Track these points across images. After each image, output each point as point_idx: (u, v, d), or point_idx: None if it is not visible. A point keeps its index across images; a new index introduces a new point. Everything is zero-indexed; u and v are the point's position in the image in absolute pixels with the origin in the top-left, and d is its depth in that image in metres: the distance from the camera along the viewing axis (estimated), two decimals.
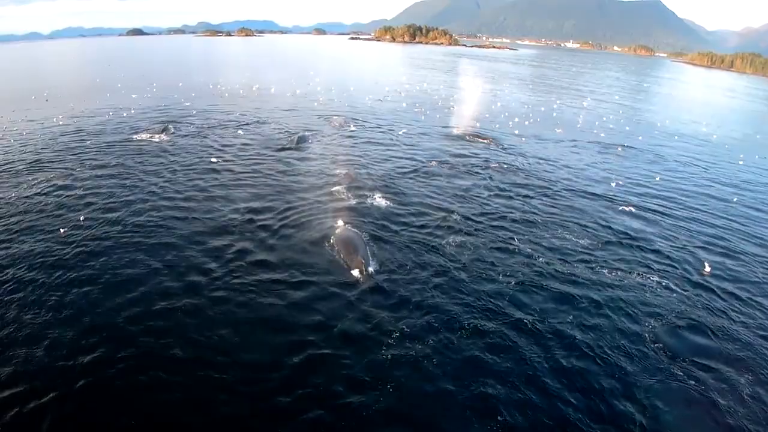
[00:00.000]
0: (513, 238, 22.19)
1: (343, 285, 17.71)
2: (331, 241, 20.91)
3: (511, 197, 27.88)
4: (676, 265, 20.62)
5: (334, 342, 14.79)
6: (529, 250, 21.05)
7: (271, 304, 16.71)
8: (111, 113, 48.19)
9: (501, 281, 18.24)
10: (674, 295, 18.12)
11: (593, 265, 19.89)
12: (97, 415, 12.16)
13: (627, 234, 23.43)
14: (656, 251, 21.79)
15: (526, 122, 50.69)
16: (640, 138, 46.68)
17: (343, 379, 13.29)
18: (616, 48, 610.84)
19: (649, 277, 19.23)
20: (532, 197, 28.10)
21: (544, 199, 27.96)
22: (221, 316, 15.99)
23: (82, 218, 22.48)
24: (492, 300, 17.02)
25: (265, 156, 34.17)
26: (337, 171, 30.61)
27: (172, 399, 12.69)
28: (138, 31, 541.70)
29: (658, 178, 33.26)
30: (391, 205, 25.48)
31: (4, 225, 22.34)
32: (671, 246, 22.52)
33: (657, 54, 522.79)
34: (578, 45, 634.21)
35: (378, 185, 28.50)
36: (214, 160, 32.45)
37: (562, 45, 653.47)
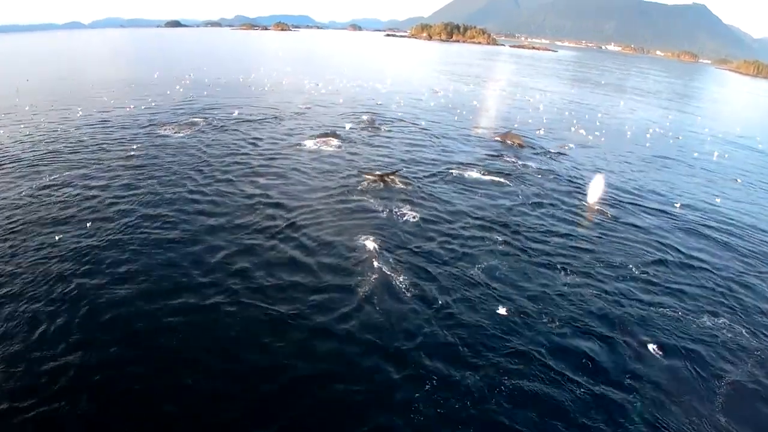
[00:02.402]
0: (556, 258, 19.92)
1: (365, 300, 16.04)
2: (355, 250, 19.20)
3: (555, 210, 25.60)
4: (754, 301, 17.90)
5: (348, 355, 13.82)
6: (575, 275, 18.80)
7: (287, 308, 15.59)
8: (141, 105, 47.74)
9: (544, 317, 16.01)
10: (753, 344, 15.46)
11: (655, 300, 17.43)
12: (108, 412, 11.69)
13: (693, 261, 20.87)
14: (728, 284, 19.16)
15: (572, 128, 47.82)
16: (694, 154, 43.25)
17: (354, 392, 12.59)
18: (658, 52, 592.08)
19: (720, 320, 16.64)
20: (578, 210, 25.76)
21: (591, 213, 25.52)
22: (235, 316, 15.10)
23: (89, 223, 21.13)
24: (535, 339, 14.89)
25: (293, 153, 32.73)
26: (367, 172, 28.71)
27: (181, 399, 12.18)
28: (176, 23, 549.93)
29: (718, 200, 30.18)
30: (421, 214, 23.55)
31: (20, 218, 21.46)
32: (744, 279, 19.78)
33: (701, 60, 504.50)
34: (620, 48, 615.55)
35: (408, 190, 26.61)
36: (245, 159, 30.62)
37: (603, 47, 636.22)
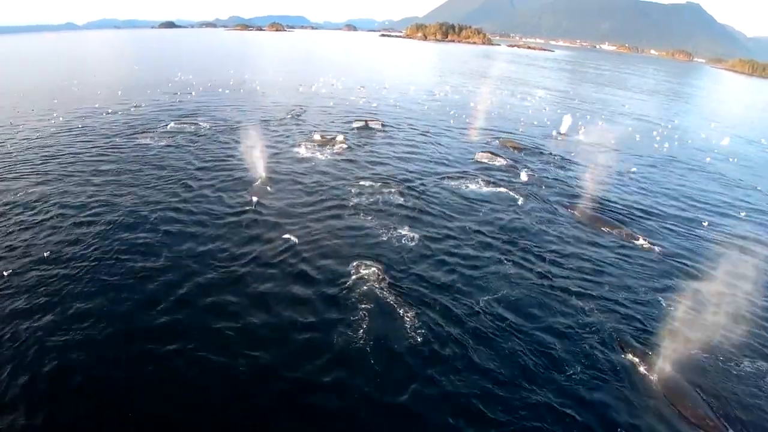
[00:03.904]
0: (572, 282, 17.77)
1: (361, 337, 13.90)
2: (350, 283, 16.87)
3: (564, 224, 23.44)
4: None
5: (339, 412, 11.77)
6: (594, 302, 16.69)
7: (271, 350, 13.61)
8: (125, 109, 45.47)
9: (564, 361, 13.83)
10: None
11: (690, 339, 15.07)
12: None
13: (729, 287, 18.53)
14: None
15: (579, 131, 45.61)
16: (707, 158, 41.08)
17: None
18: (653, 51, 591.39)
19: (760, 363, 14.43)
20: (590, 224, 23.54)
21: (605, 226, 23.27)
22: (209, 365, 12.93)
23: (46, 252, 18.91)
24: (556, 389, 12.82)
25: (285, 162, 30.45)
26: (362, 184, 26.63)
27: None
28: (170, 24, 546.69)
29: (743, 213, 27.81)
30: (421, 231, 21.34)
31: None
32: None
33: (695, 59, 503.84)
34: (614, 47, 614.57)
35: (407, 204, 24.26)
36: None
37: (598, 47, 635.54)
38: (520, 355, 13.85)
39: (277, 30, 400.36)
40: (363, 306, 15.40)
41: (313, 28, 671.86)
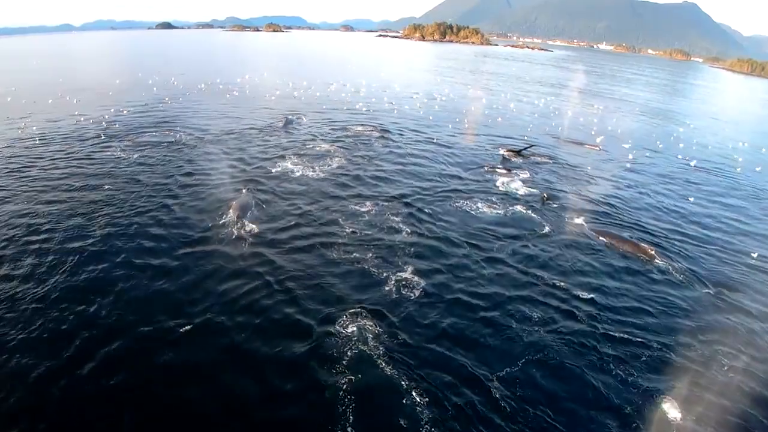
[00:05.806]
0: (614, 347, 14.30)
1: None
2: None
3: (595, 255, 19.97)
4: None
5: None
6: (648, 369, 13.27)
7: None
8: (103, 113, 41.72)
9: None
10: None
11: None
12: None
13: None
14: None
15: (596, 138, 42.26)
16: (737, 169, 37.77)
17: None
18: (650, 51, 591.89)
19: None
20: (626, 256, 20.12)
21: (644, 257, 19.95)
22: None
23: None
24: None
25: (269, 180, 26.79)
26: (358, 207, 23.18)
27: None
28: (167, 25, 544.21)
29: None
30: (426, 274, 17.50)
31: None
32: None
33: (693, 59, 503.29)
34: (612, 47, 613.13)
35: (411, 233, 20.79)
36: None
37: (595, 47, 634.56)
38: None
39: (274, 31, 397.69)
40: (353, 374, 12.03)
41: (310, 28, 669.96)
